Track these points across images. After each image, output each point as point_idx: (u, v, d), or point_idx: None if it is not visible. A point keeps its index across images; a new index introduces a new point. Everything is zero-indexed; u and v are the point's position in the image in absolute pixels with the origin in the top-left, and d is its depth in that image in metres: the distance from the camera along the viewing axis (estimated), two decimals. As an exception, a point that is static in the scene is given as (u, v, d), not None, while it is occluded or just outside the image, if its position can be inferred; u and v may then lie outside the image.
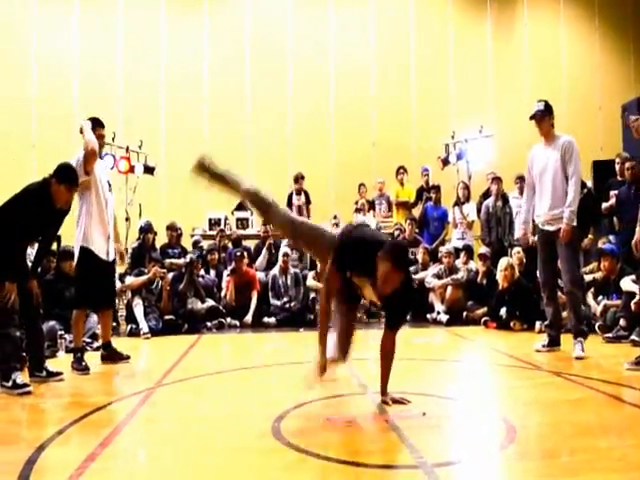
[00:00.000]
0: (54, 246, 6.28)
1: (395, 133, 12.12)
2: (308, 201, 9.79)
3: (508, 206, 8.52)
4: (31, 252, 5.19)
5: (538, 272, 5.66)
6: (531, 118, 5.34)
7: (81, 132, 4.99)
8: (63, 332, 5.82)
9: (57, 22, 11.83)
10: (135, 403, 3.73)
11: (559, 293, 5.71)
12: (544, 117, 5.29)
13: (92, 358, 5.17)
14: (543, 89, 12.15)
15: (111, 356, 5.26)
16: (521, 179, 8.57)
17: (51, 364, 4.62)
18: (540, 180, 5.35)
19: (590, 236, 7.88)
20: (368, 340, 4.96)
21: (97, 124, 5.13)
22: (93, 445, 2.83)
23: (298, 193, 9.72)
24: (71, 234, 5.16)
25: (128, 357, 5.31)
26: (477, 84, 12.70)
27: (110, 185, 5.20)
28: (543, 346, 5.43)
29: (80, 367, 4.83)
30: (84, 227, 4.93)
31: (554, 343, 5.43)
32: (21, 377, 4.12)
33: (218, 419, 3.37)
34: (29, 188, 4.30)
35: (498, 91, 12.77)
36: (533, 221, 5.58)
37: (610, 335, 6.02)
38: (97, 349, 5.63)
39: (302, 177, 9.70)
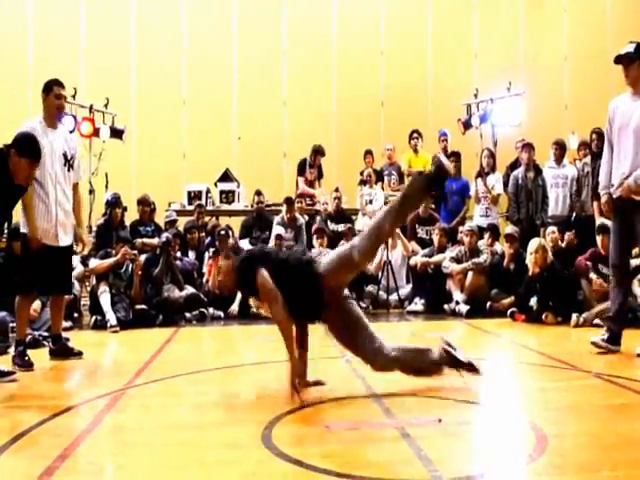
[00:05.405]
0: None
1: (408, 91, 12.04)
2: (320, 175, 10.11)
3: (541, 178, 8.46)
4: None
5: (610, 251, 5.41)
6: (616, 61, 5.16)
7: None
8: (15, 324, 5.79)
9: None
10: (100, 408, 3.71)
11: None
12: (633, 62, 5.08)
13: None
14: (584, 41, 12.07)
15: (59, 351, 5.25)
16: (558, 145, 8.54)
17: (1, 362, 4.59)
18: (620, 137, 5.15)
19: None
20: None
21: (55, 84, 5.10)
22: (51, 457, 2.82)
23: (311, 166, 9.97)
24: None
25: (80, 353, 5.28)
26: (505, 33, 12.59)
27: (68, 159, 5.12)
28: (603, 340, 5.19)
29: (22, 362, 4.79)
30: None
31: (614, 340, 5.15)
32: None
33: (198, 426, 3.36)
34: None
35: (530, 42, 12.66)
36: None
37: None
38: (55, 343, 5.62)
39: (323, 153, 9.98)
